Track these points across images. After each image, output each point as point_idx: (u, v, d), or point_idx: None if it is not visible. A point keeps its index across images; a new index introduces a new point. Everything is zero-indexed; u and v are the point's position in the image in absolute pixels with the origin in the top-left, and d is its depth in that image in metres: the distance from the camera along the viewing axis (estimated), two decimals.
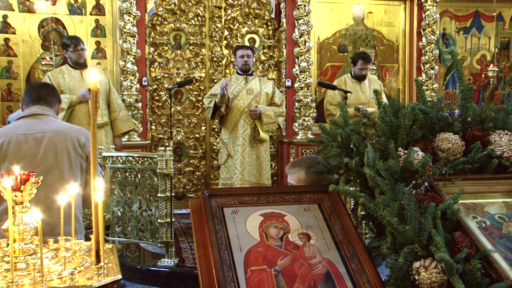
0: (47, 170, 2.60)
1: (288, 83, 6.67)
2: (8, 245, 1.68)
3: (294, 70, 6.62)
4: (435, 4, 6.84)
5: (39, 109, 2.75)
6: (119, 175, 4.44)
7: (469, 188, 1.87)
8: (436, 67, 6.93)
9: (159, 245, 4.21)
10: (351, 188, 2.01)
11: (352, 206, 2.30)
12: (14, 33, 6.09)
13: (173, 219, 4.20)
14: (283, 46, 6.80)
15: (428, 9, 6.83)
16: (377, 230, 1.97)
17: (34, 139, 2.64)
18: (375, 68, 6.74)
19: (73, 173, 2.69)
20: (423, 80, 6.87)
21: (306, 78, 6.56)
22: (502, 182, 1.97)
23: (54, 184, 2.55)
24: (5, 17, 6.06)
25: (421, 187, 1.80)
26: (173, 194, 4.24)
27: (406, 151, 1.91)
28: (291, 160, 6.46)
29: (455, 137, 2.01)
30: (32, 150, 2.62)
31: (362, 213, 2.18)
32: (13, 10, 6.08)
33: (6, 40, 6.07)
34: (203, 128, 6.93)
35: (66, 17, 6.23)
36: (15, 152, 2.59)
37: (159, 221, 4.13)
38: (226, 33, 6.89)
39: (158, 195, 4.11)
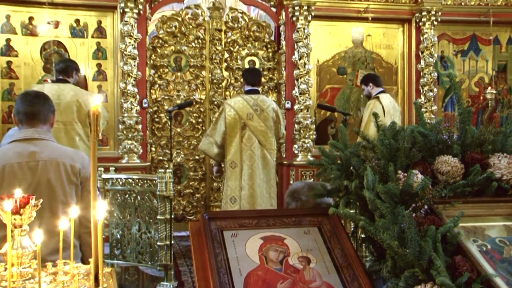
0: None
1: (288, 105, 6.70)
2: (6, 269, 1.67)
3: (293, 92, 6.65)
4: (433, 27, 6.91)
5: (34, 133, 2.67)
6: (119, 197, 4.44)
7: (469, 211, 1.87)
8: (435, 89, 6.97)
9: (158, 268, 4.18)
10: (351, 211, 2.01)
11: (352, 229, 2.29)
12: (16, 56, 6.15)
13: (172, 242, 4.18)
14: (283, 68, 6.85)
15: (426, 32, 6.90)
16: (377, 254, 1.96)
17: (29, 169, 2.58)
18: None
19: (68, 204, 2.64)
20: (422, 102, 6.90)
21: (306, 100, 6.59)
22: (502, 205, 1.97)
23: (46, 217, 2.50)
24: (8, 40, 6.12)
25: (421, 210, 1.80)
26: (172, 216, 4.23)
27: (405, 174, 1.91)
28: (291, 183, 6.45)
29: (455, 159, 2.01)
30: (26, 180, 2.57)
31: (362, 236, 2.18)
32: (16, 33, 6.15)
33: (9, 62, 6.13)
34: (199, 146, 6.90)
35: (68, 39, 6.30)
36: (9, 183, 2.54)
37: (158, 243, 4.11)
38: (226, 55, 6.95)
39: (158, 217, 4.10)
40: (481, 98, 7.31)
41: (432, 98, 6.94)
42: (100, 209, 1.33)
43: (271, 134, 5.34)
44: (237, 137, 5.30)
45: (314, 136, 6.67)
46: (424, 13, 6.85)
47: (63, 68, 5.12)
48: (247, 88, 5.44)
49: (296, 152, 6.63)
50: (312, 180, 6.40)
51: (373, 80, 5.97)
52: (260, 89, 5.68)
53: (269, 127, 5.32)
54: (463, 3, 7.18)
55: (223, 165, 5.43)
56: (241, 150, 5.29)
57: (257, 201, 5.26)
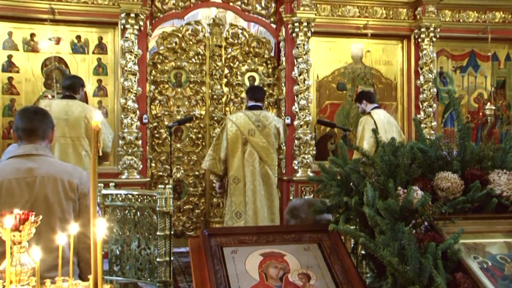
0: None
1: (288, 121, 6.71)
2: (4, 286, 1.66)
3: (293, 107, 6.67)
4: (431, 44, 6.95)
5: (32, 149, 2.66)
6: (118, 213, 4.42)
7: (469, 228, 1.86)
8: (434, 105, 6.99)
9: (158, 284, 4.14)
10: (351, 227, 2.00)
11: (352, 246, 2.28)
12: (17, 72, 6.18)
13: (172, 258, 4.16)
14: (283, 84, 6.88)
15: (425, 48, 6.94)
16: (378, 270, 1.95)
17: (26, 185, 2.57)
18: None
19: (65, 220, 2.63)
20: (421, 118, 6.92)
21: (306, 115, 6.61)
22: (503, 221, 1.96)
23: (43, 233, 2.49)
24: (9, 56, 6.16)
25: (421, 227, 1.79)
26: (172, 232, 4.21)
27: (405, 190, 1.91)
28: (291, 198, 6.44)
29: (454, 176, 2.01)
30: (24, 196, 2.56)
31: (362, 252, 2.17)
32: (18, 49, 6.19)
33: (10, 78, 6.16)
34: (203, 165, 6.92)
35: (69, 55, 6.34)
36: (7, 199, 2.53)
37: (157, 259, 4.09)
38: (226, 71, 6.98)
39: (157, 233, 4.08)
40: (481, 114, 7.33)
41: (432, 114, 6.96)
42: (100, 226, 1.33)
43: (272, 150, 5.34)
44: (239, 153, 5.31)
45: (314, 152, 6.67)
46: (423, 30, 6.90)
47: (70, 84, 5.19)
48: (250, 103, 5.46)
49: (296, 167, 6.62)
50: (311, 196, 6.39)
51: (366, 97, 6.04)
52: (263, 105, 5.70)
53: (270, 143, 5.33)
54: (461, 20, 7.24)
55: (225, 181, 5.42)
56: (244, 166, 5.29)
57: (259, 217, 5.25)
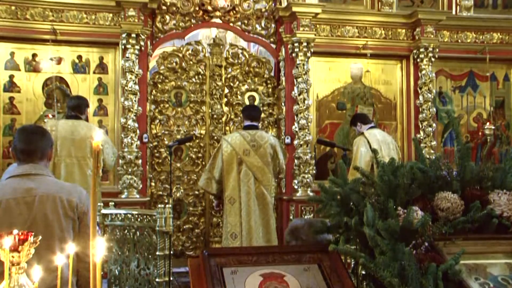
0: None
1: (288, 140, 6.72)
2: None
3: (293, 127, 6.69)
4: (430, 64, 7.00)
5: (31, 168, 2.66)
6: (118, 233, 4.40)
7: (470, 248, 1.86)
8: (434, 125, 7.00)
9: None
10: (351, 248, 2.00)
11: (353, 266, 2.27)
12: (19, 91, 6.21)
13: (171, 278, 4.13)
14: (283, 104, 6.90)
15: (424, 68, 6.98)
16: None
17: (25, 204, 2.56)
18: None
19: (64, 239, 2.62)
20: (421, 137, 6.93)
21: (306, 135, 6.62)
22: (504, 242, 1.96)
23: (42, 252, 2.48)
24: (11, 76, 6.19)
25: (422, 247, 1.79)
26: (171, 252, 4.19)
27: (405, 210, 1.91)
28: (291, 218, 6.41)
29: (454, 196, 2.01)
30: (22, 216, 2.55)
31: (362, 273, 2.16)
32: (19, 70, 6.23)
33: (11, 98, 6.18)
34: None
35: (70, 75, 6.37)
36: (5, 219, 2.52)
37: (157, 280, 4.05)
38: (226, 90, 7.01)
39: (157, 253, 4.06)
40: (480, 133, 7.34)
41: (431, 133, 6.97)
42: (99, 246, 1.33)
43: (268, 170, 5.33)
44: (234, 173, 5.31)
45: (314, 171, 6.66)
46: (421, 50, 6.94)
47: (76, 105, 5.28)
48: (246, 123, 5.48)
49: (296, 187, 6.61)
50: (312, 215, 6.36)
51: (360, 120, 6.09)
52: (259, 124, 5.71)
53: (266, 163, 5.32)
54: (459, 41, 7.30)
55: (224, 200, 5.42)
56: (239, 186, 5.29)
57: (253, 237, 5.22)
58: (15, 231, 1.58)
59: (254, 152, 5.30)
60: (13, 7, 6.08)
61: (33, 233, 2.36)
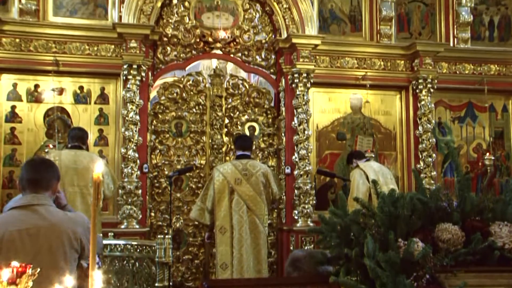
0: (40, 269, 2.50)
1: (288, 171, 6.72)
2: None
3: (293, 157, 6.69)
4: (429, 94, 7.05)
5: (34, 199, 2.65)
6: (117, 264, 4.36)
7: (471, 281, 1.84)
8: (434, 155, 7.01)
9: None
10: (351, 279, 1.98)
11: None
12: (20, 122, 6.24)
13: None
14: (283, 134, 6.92)
15: (423, 99, 7.02)
16: None
17: (28, 236, 2.54)
18: (373, 155, 6.78)
19: (68, 269, 2.59)
20: (421, 168, 6.92)
21: (306, 165, 6.62)
22: (506, 275, 1.94)
23: (44, 285, 2.45)
24: (13, 107, 6.24)
25: (423, 279, 1.78)
26: (171, 283, 4.14)
27: (406, 242, 1.90)
28: (291, 249, 6.36)
29: (455, 227, 2.01)
30: (25, 248, 2.53)
31: None
32: (21, 100, 6.28)
33: (12, 129, 6.21)
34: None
35: (71, 105, 6.41)
36: (8, 250, 2.49)
37: None
38: (226, 121, 7.03)
39: (156, 284, 4.02)
40: (480, 164, 7.35)
41: (431, 164, 6.97)
42: (98, 280, 1.32)
43: (260, 199, 5.32)
44: (226, 202, 5.31)
45: (314, 202, 6.64)
46: (420, 81, 7.00)
47: (80, 135, 5.39)
48: (238, 153, 5.53)
49: (296, 217, 6.57)
50: (312, 246, 6.32)
51: (355, 157, 6.23)
52: (251, 154, 5.73)
53: (258, 192, 5.32)
54: (458, 72, 7.38)
55: (215, 230, 5.40)
56: (231, 215, 5.28)
57: (244, 267, 5.18)
58: (14, 263, 1.56)
59: (246, 181, 5.32)
60: (17, 40, 6.16)
61: (36, 265, 2.34)
